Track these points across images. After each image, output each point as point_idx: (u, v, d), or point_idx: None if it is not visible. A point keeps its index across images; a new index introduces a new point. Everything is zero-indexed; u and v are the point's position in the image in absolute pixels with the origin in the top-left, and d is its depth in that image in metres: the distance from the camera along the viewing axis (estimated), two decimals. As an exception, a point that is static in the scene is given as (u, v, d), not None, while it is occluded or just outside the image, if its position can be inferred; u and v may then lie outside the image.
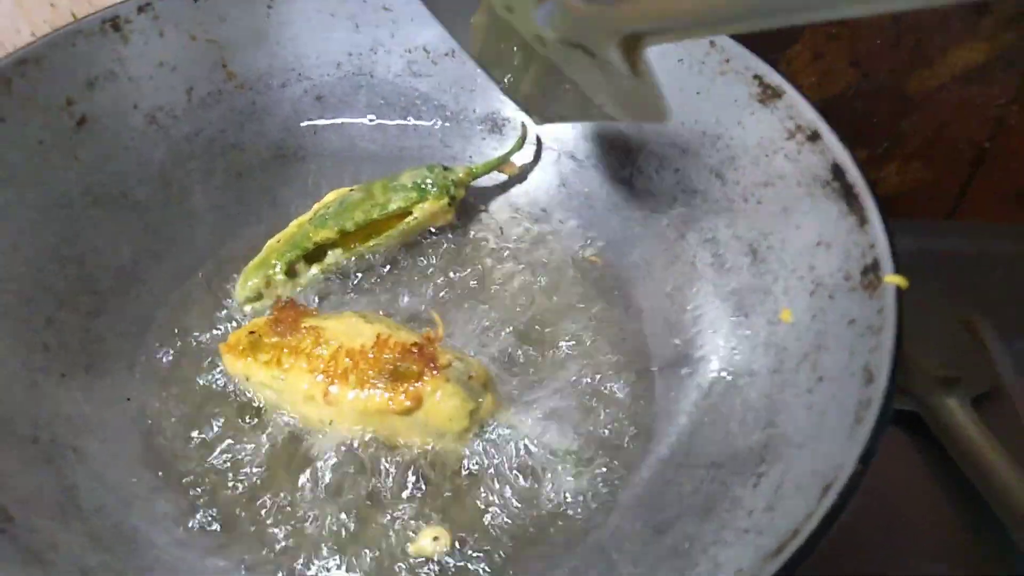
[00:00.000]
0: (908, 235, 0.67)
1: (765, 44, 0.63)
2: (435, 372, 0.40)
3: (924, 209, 0.74)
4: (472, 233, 0.53)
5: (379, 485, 0.41)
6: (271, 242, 0.49)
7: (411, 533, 0.39)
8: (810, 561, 0.44)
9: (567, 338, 0.47)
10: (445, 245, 0.52)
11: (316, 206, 0.51)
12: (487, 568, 0.38)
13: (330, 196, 0.51)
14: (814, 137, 0.41)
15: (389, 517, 0.40)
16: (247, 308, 0.48)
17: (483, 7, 0.42)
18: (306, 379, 0.41)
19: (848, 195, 0.39)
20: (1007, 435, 0.50)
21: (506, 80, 0.45)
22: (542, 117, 0.47)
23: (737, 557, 0.29)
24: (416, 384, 0.40)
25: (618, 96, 0.37)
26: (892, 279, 0.34)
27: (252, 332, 0.43)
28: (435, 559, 0.38)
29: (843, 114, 0.68)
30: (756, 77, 0.45)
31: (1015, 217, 0.73)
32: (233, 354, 0.43)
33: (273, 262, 0.48)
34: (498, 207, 0.55)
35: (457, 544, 0.39)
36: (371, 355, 0.40)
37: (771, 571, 0.26)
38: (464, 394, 0.40)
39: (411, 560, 0.38)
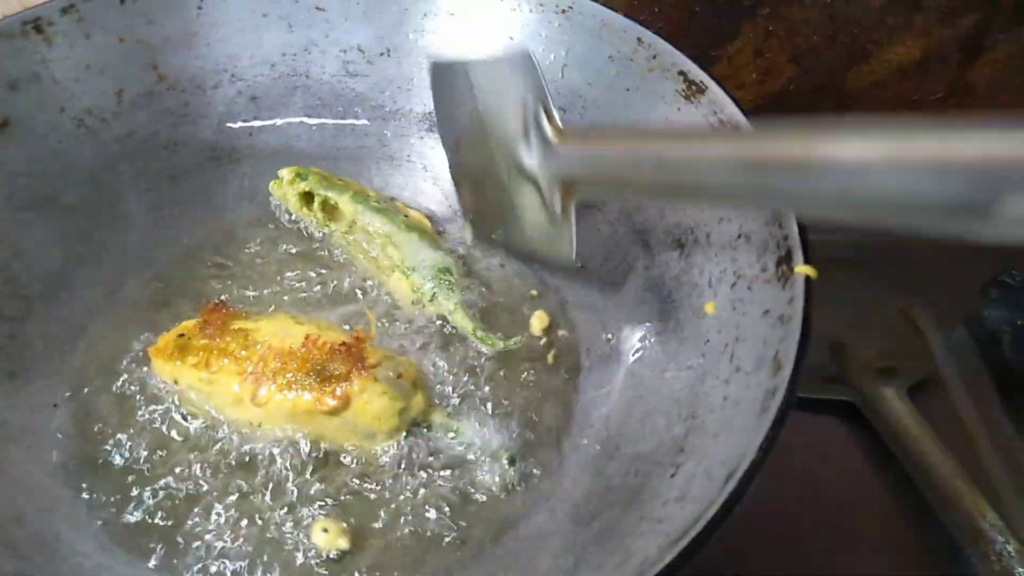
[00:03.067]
0: (852, 229, 0.69)
1: (706, 40, 0.64)
2: (363, 372, 0.40)
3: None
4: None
5: (303, 485, 0.41)
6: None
7: (322, 531, 0.39)
8: (749, 552, 0.45)
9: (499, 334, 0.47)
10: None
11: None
12: (406, 563, 0.38)
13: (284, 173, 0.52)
14: (736, 130, 0.42)
15: (303, 514, 0.40)
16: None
17: (473, 127, 0.45)
18: (235, 381, 0.41)
19: (766, 188, 0.39)
20: (942, 424, 0.51)
21: (466, 195, 0.50)
22: (479, 235, 0.51)
23: (647, 546, 0.29)
24: (343, 384, 0.40)
25: (543, 233, 0.43)
26: (802, 269, 0.34)
27: (181, 335, 0.43)
28: (331, 554, 0.38)
29: (785, 109, 0.69)
30: (681, 73, 0.45)
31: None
32: (162, 358, 0.43)
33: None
34: (439, 208, 0.55)
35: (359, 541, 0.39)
36: (299, 356, 0.40)
37: (671, 557, 0.26)
38: (392, 393, 0.40)
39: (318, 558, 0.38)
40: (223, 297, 0.48)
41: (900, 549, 0.48)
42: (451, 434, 0.42)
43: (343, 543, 0.38)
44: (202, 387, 0.42)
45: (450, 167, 0.51)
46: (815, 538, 0.48)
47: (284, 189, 0.52)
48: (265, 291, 0.49)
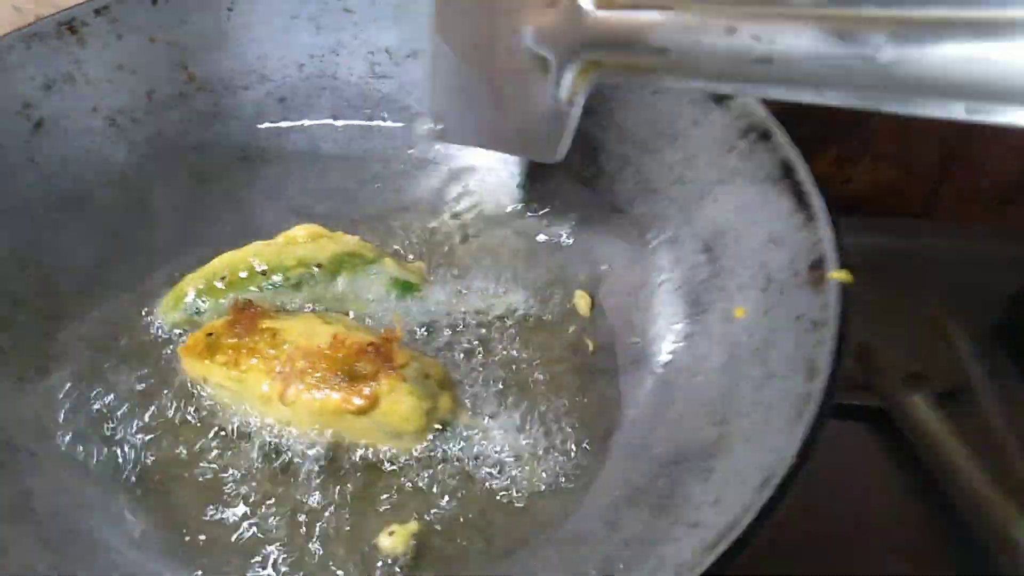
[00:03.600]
0: (878, 234, 0.69)
1: None
2: (391, 372, 0.40)
3: (894, 208, 0.74)
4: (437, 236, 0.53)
5: (339, 484, 0.41)
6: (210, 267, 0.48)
7: (370, 531, 0.39)
8: (777, 558, 0.45)
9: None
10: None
11: (282, 239, 0.49)
12: (443, 566, 0.38)
13: (299, 231, 0.49)
14: (765, 136, 0.42)
15: (348, 515, 0.40)
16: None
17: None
18: (263, 380, 0.41)
19: (797, 192, 0.39)
20: (972, 433, 0.50)
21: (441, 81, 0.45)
22: (448, 131, 0.47)
23: (681, 551, 0.29)
24: (371, 384, 0.40)
25: (530, 124, 0.40)
26: (837, 275, 0.34)
27: (210, 334, 0.43)
28: (393, 557, 0.38)
29: (813, 113, 0.69)
30: None
31: (984, 216, 0.74)
32: (191, 356, 0.43)
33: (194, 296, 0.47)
34: (462, 208, 0.55)
35: (413, 541, 0.39)
36: (327, 355, 0.40)
37: (708, 563, 0.26)
38: (420, 393, 0.40)
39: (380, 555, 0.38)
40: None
41: (929, 556, 0.47)
42: (478, 434, 0.42)
43: (408, 545, 0.38)
44: (231, 386, 0.42)
45: (431, 45, 0.45)
46: (843, 544, 0.48)
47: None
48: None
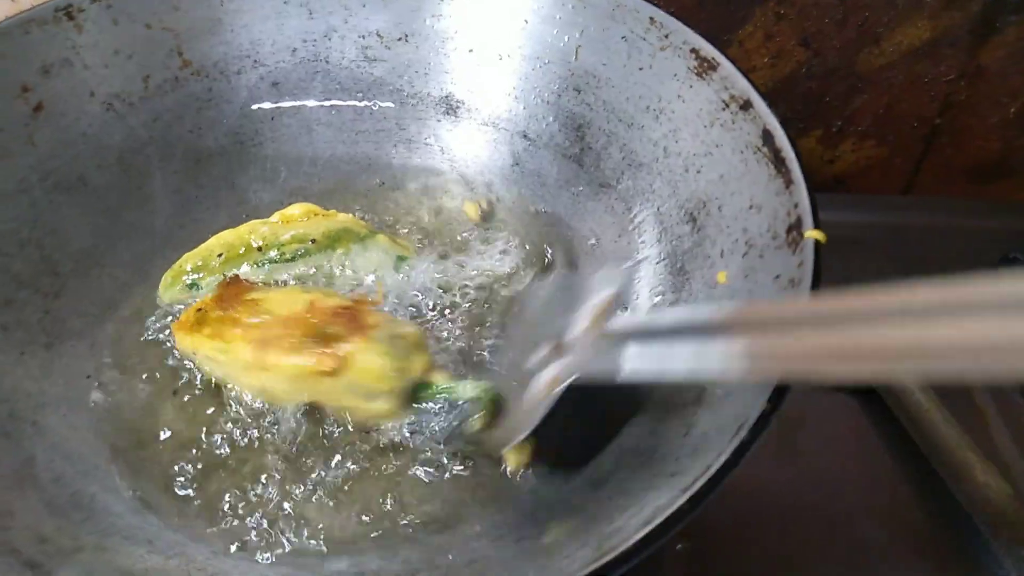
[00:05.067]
0: (864, 210, 0.70)
1: (717, 25, 0.65)
2: (362, 334, 0.40)
3: (879, 185, 0.76)
4: (429, 214, 0.55)
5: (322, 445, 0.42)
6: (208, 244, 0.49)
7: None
8: (770, 537, 0.45)
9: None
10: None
11: (277, 217, 0.50)
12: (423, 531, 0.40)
13: (294, 210, 0.50)
14: (746, 106, 0.43)
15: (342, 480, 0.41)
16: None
17: None
18: (246, 349, 0.41)
19: (776, 159, 0.40)
20: (963, 412, 0.51)
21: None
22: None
23: (659, 496, 0.30)
24: (342, 345, 0.40)
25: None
26: (811, 234, 0.35)
27: (200, 309, 0.44)
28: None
29: (797, 93, 0.70)
30: (693, 51, 0.46)
31: (967, 191, 0.75)
32: (183, 331, 0.44)
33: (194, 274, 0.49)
34: (454, 185, 0.56)
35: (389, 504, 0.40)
36: (302, 320, 0.41)
37: (683, 502, 0.27)
38: (392, 353, 0.41)
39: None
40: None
41: (922, 539, 0.48)
42: (454, 392, 0.42)
43: None
44: (218, 356, 0.43)
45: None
46: (836, 526, 0.48)
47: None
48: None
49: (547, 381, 0.38)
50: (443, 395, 0.41)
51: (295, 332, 0.41)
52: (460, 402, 0.41)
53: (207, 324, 0.43)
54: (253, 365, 0.41)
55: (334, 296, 0.44)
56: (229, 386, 0.44)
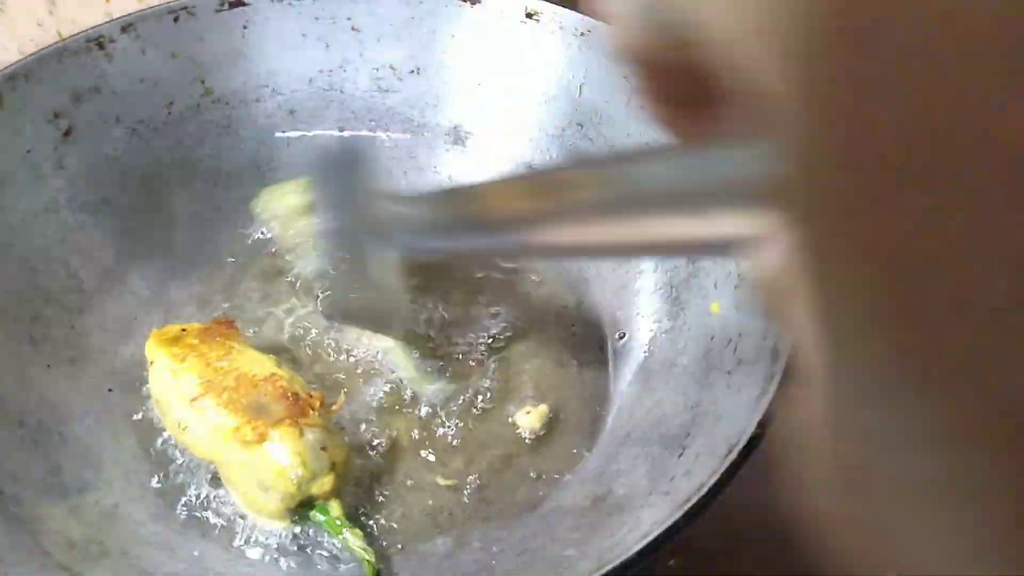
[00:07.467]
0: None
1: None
2: (295, 424, 0.39)
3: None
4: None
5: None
6: None
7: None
8: (761, 556, 0.48)
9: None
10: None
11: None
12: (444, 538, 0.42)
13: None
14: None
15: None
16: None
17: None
18: (193, 381, 0.42)
19: (767, 197, 0.43)
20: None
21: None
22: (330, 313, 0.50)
23: (655, 514, 0.33)
24: (269, 426, 0.40)
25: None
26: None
27: (184, 329, 0.45)
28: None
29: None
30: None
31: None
32: (156, 339, 0.45)
33: None
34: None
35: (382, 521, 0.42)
36: (254, 386, 0.41)
37: (677, 517, 0.30)
38: (305, 457, 0.39)
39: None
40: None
41: None
42: (340, 534, 0.40)
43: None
44: (166, 375, 0.43)
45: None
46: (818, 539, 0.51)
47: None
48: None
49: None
50: (327, 530, 0.40)
51: (240, 392, 0.41)
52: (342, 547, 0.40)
53: (179, 344, 0.44)
54: (187, 399, 0.42)
55: (298, 381, 0.43)
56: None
